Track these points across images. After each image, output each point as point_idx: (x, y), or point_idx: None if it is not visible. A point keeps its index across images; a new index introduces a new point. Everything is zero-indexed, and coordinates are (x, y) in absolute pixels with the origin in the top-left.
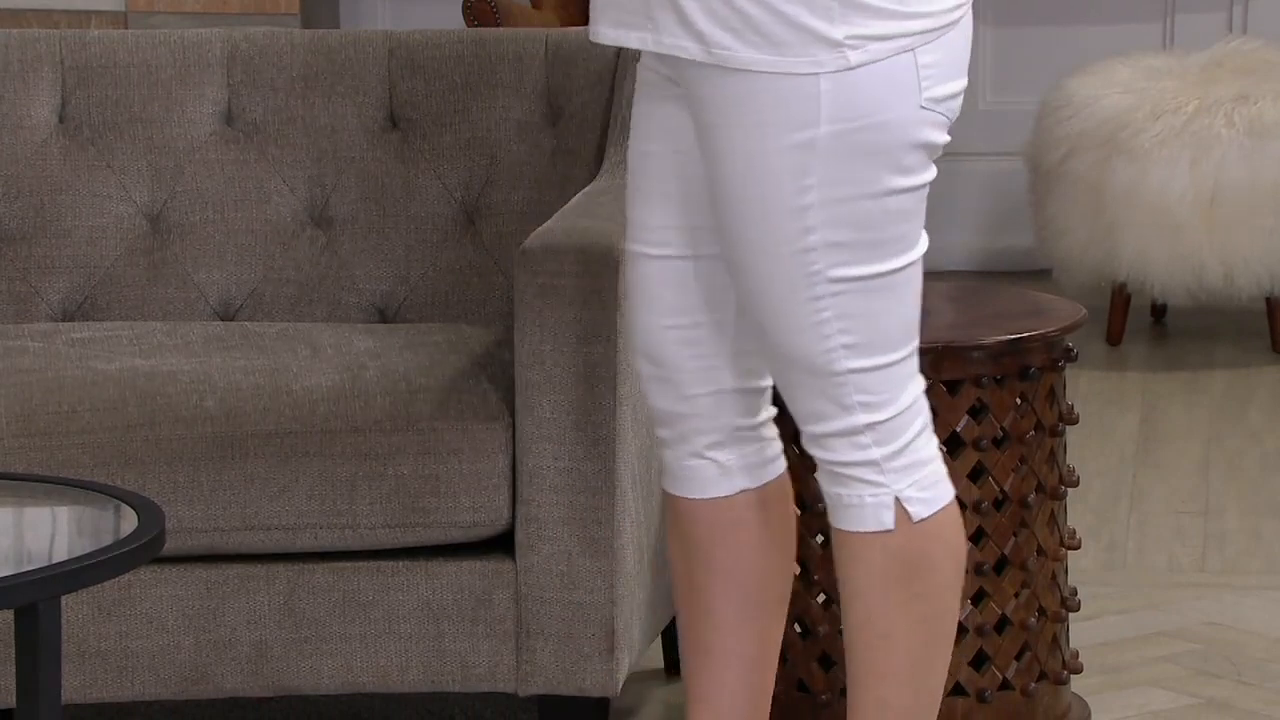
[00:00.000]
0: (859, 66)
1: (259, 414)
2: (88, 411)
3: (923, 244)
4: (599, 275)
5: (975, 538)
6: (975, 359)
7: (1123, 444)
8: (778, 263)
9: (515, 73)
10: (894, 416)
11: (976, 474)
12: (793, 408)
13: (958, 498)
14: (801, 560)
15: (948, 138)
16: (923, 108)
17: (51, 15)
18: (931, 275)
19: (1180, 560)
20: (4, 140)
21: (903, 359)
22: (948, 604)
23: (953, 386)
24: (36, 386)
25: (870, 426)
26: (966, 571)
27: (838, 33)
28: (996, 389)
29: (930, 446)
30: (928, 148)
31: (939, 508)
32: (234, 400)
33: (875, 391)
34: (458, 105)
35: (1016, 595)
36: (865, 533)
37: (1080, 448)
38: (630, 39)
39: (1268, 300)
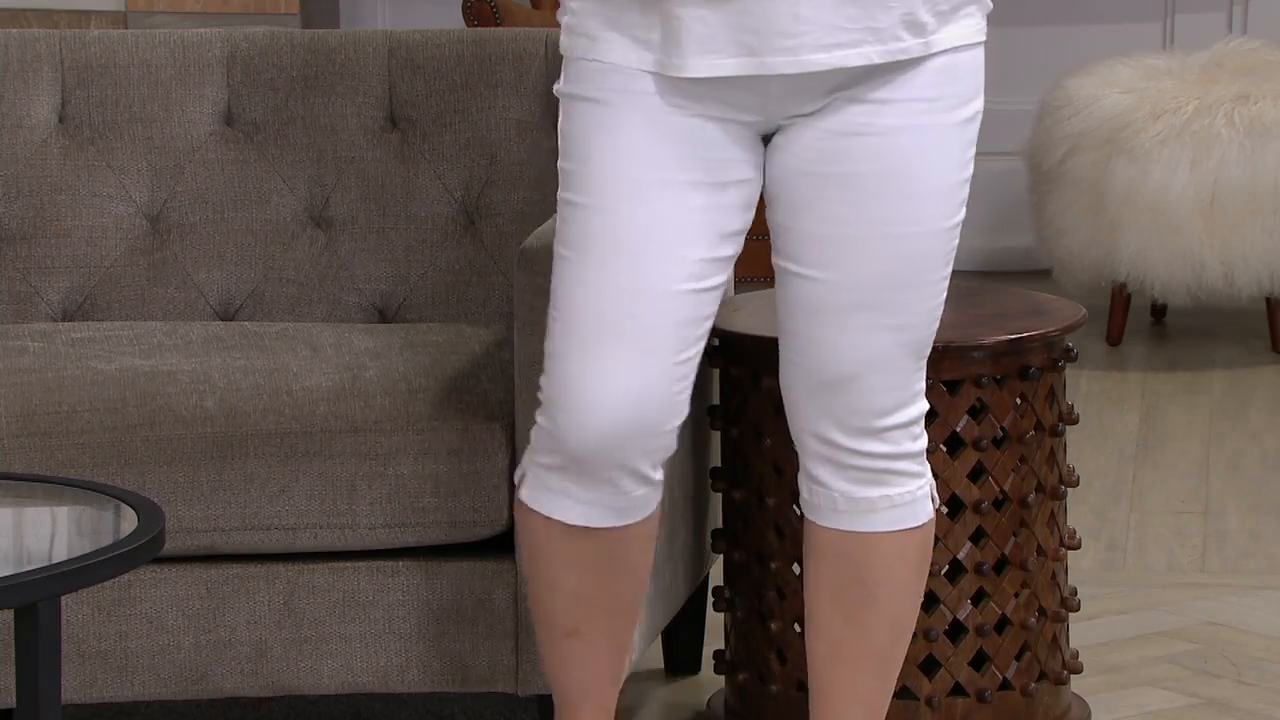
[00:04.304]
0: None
1: (259, 414)
2: (88, 411)
3: None
4: None
5: (975, 538)
6: (975, 359)
7: (1123, 444)
8: (932, 240)
9: (515, 73)
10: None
11: (976, 474)
12: (865, 405)
13: (957, 497)
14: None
15: None
16: None
17: (51, 15)
18: None
19: (1180, 560)
20: (4, 140)
21: None
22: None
23: (953, 386)
24: (36, 386)
25: (922, 413)
26: (966, 571)
27: None
28: (996, 389)
29: None
30: None
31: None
32: (234, 400)
33: (925, 377)
34: (458, 105)
35: (1016, 595)
36: (913, 528)
37: (1080, 448)
38: (851, 57)
39: (1268, 300)
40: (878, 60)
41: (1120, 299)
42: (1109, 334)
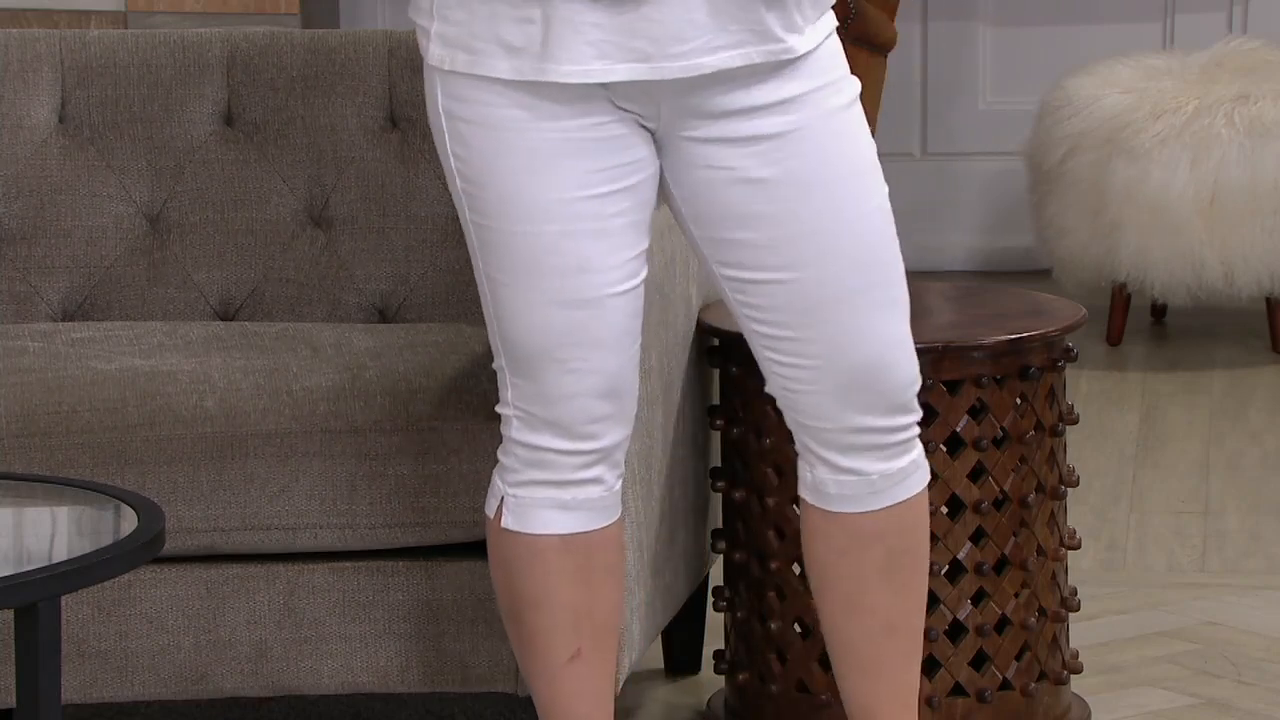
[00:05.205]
0: None
1: (259, 414)
2: (88, 411)
3: None
4: None
5: (975, 538)
6: (975, 359)
7: (1123, 444)
8: (883, 217)
9: None
10: None
11: (976, 474)
12: (898, 380)
13: (957, 497)
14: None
15: None
16: None
17: (51, 15)
18: (931, 275)
19: (1180, 560)
20: (4, 140)
21: None
22: None
23: (953, 386)
24: (36, 386)
25: None
26: (966, 571)
27: None
28: (996, 389)
29: None
30: None
31: None
32: (234, 400)
33: None
34: None
35: (1016, 595)
36: (925, 486)
37: (1080, 448)
38: (735, 58)
39: (1268, 300)
40: (758, 60)
41: (1120, 299)
42: (1109, 334)
